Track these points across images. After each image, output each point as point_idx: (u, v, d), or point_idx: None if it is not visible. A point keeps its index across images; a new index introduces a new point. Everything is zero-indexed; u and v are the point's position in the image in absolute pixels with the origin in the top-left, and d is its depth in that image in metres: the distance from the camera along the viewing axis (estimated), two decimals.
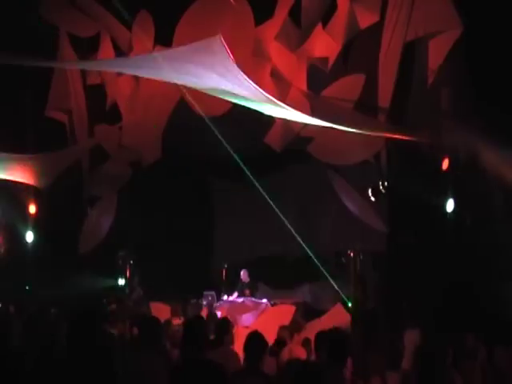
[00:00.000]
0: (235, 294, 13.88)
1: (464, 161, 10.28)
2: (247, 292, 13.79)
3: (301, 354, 8.15)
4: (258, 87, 8.05)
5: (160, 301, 13.89)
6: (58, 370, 4.66)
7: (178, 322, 11.41)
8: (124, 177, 13.99)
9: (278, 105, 8.85)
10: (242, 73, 7.71)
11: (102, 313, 6.83)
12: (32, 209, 14.45)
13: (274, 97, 9.12)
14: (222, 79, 8.21)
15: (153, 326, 6.07)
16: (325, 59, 11.43)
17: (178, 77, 9.36)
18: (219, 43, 7.19)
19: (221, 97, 10.16)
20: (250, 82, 7.89)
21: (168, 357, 7.09)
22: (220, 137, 11.93)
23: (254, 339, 5.73)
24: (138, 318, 10.74)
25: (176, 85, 11.38)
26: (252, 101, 9.07)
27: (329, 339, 5.67)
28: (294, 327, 9.22)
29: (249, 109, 9.99)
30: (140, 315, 10.96)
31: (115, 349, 6.02)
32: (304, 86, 11.57)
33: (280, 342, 8.60)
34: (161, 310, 12.88)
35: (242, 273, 14.03)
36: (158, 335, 6.10)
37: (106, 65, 12.42)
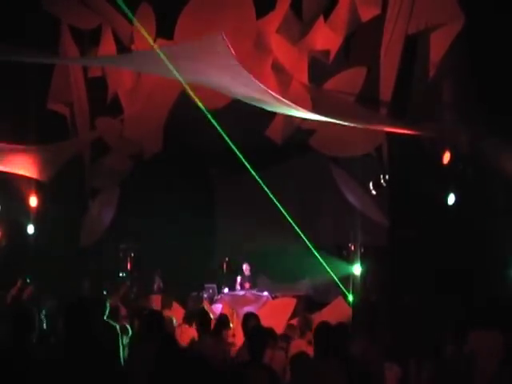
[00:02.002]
0: (238, 287, 13.91)
1: (465, 154, 10.27)
2: (247, 285, 13.84)
3: (308, 349, 8.18)
4: (260, 84, 8.03)
5: (160, 294, 13.94)
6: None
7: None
8: (125, 169, 14.01)
9: (280, 101, 8.83)
10: (244, 70, 7.69)
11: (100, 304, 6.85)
12: (33, 201, 14.46)
13: (275, 90, 9.11)
14: (224, 75, 8.20)
15: (155, 319, 6.13)
16: (326, 52, 11.41)
17: (180, 74, 9.34)
18: (221, 40, 7.18)
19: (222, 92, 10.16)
20: (253, 79, 7.87)
21: None
22: (221, 129, 11.90)
23: (257, 332, 5.77)
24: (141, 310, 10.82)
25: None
26: (253, 97, 9.05)
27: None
28: (303, 324, 9.20)
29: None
30: (141, 308, 11.00)
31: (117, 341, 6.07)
32: (305, 79, 11.56)
33: (287, 338, 8.65)
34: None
35: (244, 266, 14.06)
36: (160, 327, 6.15)
37: (106, 61, 12.39)
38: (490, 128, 9.34)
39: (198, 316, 7.79)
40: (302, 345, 8.23)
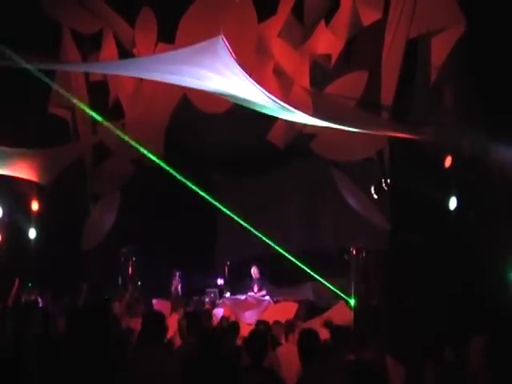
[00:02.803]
0: (250, 292, 13.81)
1: (467, 158, 10.25)
2: (256, 288, 13.79)
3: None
4: (261, 88, 8.02)
5: (162, 298, 13.92)
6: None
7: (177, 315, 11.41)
8: (126, 174, 14.00)
9: (281, 106, 8.82)
10: (244, 73, 7.69)
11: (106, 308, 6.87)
12: (34, 205, 14.45)
13: (276, 94, 9.10)
14: (225, 80, 8.21)
15: (158, 321, 6.12)
16: (328, 56, 11.42)
17: (180, 79, 9.36)
18: (221, 44, 7.18)
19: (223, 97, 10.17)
20: (254, 82, 7.87)
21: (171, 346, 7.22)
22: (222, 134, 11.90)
23: (257, 335, 5.76)
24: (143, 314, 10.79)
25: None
26: (255, 102, 9.05)
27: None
28: (288, 327, 9.12)
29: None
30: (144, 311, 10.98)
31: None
32: (307, 83, 11.56)
33: (275, 340, 8.59)
34: (162, 307, 12.91)
35: (252, 269, 14.03)
36: (162, 329, 6.15)
37: (107, 67, 12.41)
38: (492, 132, 9.32)
39: (188, 317, 7.78)
40: (289, 346, 8.20)
